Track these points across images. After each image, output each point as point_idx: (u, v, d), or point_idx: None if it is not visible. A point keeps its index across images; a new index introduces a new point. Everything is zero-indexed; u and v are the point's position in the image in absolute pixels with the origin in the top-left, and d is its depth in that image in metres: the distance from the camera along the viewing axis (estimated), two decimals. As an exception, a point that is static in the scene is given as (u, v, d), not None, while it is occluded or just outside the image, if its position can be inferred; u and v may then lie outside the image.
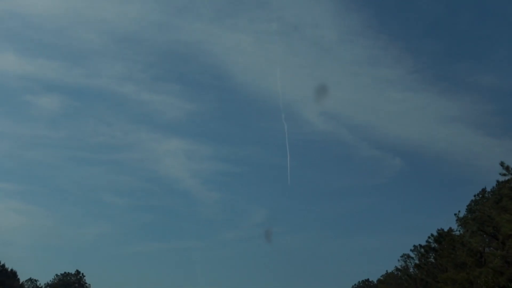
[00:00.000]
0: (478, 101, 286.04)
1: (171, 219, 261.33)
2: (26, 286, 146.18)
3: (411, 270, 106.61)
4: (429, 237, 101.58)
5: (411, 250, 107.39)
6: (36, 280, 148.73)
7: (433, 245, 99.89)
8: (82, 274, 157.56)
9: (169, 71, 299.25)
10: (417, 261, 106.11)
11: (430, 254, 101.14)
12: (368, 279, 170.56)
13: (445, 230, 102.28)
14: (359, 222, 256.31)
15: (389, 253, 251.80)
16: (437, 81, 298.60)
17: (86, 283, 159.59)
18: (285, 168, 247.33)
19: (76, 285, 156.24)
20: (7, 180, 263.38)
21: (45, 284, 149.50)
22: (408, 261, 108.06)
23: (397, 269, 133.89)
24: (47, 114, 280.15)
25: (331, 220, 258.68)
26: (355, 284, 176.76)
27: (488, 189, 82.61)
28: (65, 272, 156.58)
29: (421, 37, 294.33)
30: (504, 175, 60.82)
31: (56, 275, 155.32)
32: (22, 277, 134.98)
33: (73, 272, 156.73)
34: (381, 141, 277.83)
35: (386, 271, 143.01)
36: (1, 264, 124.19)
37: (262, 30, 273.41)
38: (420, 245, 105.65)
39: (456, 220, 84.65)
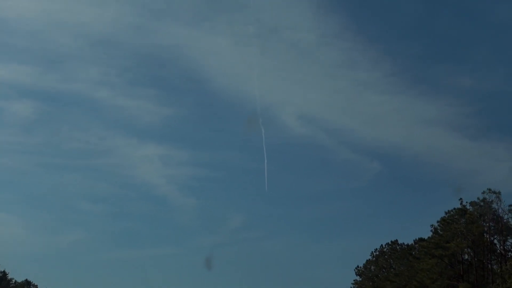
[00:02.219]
0: (456, 104, 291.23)
1: (147, 225, 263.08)
2: None
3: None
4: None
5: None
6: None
7: None
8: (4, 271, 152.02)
9: (145, 75, 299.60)
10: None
11: None
12: (397, 240, 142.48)
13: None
14: (337, 226, 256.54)
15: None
16: (415, 84, 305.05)
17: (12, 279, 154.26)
18: (262, 173, 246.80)
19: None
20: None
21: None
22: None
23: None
24: (20, 120, 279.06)
25: (309, 225, 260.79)
26: (376, 249, 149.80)
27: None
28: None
29: (399, 40, 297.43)
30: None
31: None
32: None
33: None
34: (359, 144, 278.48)
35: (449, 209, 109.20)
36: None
37: (240, 33, 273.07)
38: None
39: None
